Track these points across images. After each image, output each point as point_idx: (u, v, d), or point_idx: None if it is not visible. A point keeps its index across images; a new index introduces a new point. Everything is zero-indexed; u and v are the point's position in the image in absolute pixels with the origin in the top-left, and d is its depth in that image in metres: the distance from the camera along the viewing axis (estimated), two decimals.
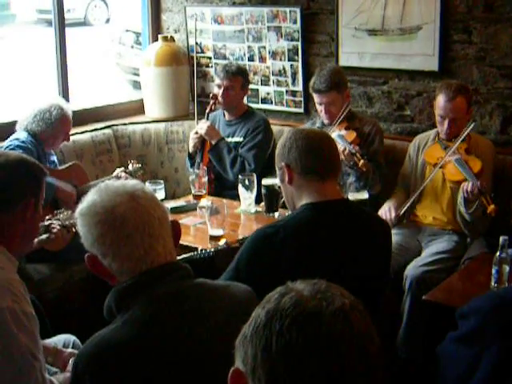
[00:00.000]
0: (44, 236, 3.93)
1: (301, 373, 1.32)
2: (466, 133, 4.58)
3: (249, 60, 6.31)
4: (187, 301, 2.09)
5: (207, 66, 6.66)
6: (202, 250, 3.65)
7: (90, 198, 2.16)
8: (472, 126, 4.59)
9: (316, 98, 5.09)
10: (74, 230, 4.20)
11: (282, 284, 1.46)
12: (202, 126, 5.59)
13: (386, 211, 4.73)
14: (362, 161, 4.67)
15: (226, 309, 2.11)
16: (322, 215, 2.92)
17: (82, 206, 2.15)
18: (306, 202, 2.94)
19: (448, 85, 4.63)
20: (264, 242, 2.85)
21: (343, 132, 4.91)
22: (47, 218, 3.97)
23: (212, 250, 3.63)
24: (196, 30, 6.52)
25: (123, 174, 5.12)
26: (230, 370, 1.41)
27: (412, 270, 4.34)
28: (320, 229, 2.89)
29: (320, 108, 5.08)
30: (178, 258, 3.40)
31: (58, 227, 4.03)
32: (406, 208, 4.71)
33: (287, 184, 2.97)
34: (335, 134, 4.79)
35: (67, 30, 6.21)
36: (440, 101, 4.61)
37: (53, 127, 4.96)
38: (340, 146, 4.53)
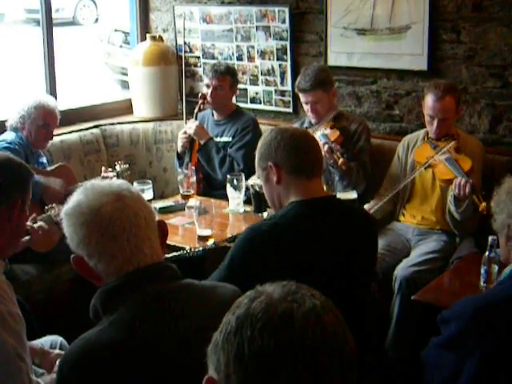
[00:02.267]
0: (26, 238, 3.89)
1: (275, 377, 1.30)
2: (450, 144, 4.60)
3: (237, 59, 6.30)
4: (174, 302, 2.06)
5: (196, 66, 6.64)
6: (191, 249, 3.64)
7: (75, 198, 2.13)
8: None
9: (301, 97, 5.09)
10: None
11: (278, 281, 1.45)
12: (190, 126, 5.57)
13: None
14: (341, 159, 4.67)
15: (212, 310, 2.08)
16: (311, 211, 2.93)
17: (68, 206, 2.13)
18: (293, 199, 2.95)
19: (436, 84, 4.63)
20: (258, 240, 2.85)
21: (328, 131, 4.90)
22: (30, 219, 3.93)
23: (201, 248, 3.62)
24: (184, 30, 6.50)
25: (110, 174, 5.09)
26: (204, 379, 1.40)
27: (401, 270, 4.34)
28: (312, 224, 2.91)
29: (306, 107, 5.07)
30: (168, 256, 3.42)
31: (40, 231, 4.00)
32: (405, 183, 4.70)
33: (275, 184, 2.96)
34: (319, 132, 4.80)
35: (56, 29, 6.21)
36: (429, 100, 4.61)
37: (29, 114, 4.94)
38: (321, 142, 4.54)
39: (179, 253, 3.61)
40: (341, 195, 4.48)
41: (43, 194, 4.68)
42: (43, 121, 4.99)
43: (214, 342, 1.39)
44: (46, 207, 4.34)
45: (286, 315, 1.33)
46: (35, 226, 4.01)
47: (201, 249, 3.64)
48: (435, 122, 4.61)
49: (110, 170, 5.19)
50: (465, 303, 2.60)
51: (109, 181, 2.24)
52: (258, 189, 4.59)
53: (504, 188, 2.66)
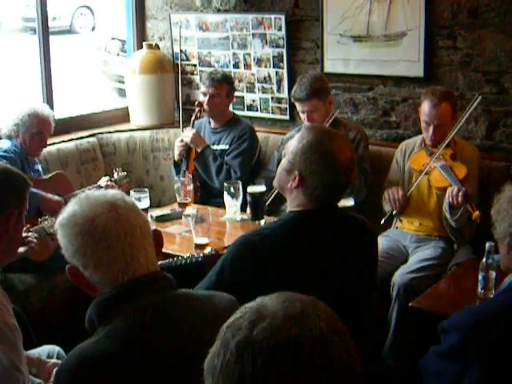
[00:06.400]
0: (21, 249, 3.86)
1: None
2: (450, 137, 4.59)
3: (234, 67, 6.30)
4: (170, 312, 2.06)
5: (192, 74, 6.64)
6: (190, 256, 3.63)
7: (70, 208, 2.12)
8: (455, 130, 4.61)
9: (298, 106, 5.09)
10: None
11: (267, 293, 1.42)
12: (187, 134, 5.57)
13: (393, 192, 4.67)
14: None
15: (208, 320, 2.07)
16: (309, 223, 2.89)
17: (62, 216, 2.12)
18: (293, 209, 2.92)
19: (433, 91, 4.64)
20: (249, 250, 2.81)
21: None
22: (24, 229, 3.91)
23: (201, 255, 3.61)
24: (181, 38, 6.50)
25: (109, 183, 5.09)
26: None
27: (399, 277, 4.33)
28: (306, 238, 2.87)
29: (303, 116, 5.06)
30: (167, 261, 3.42)
31: (35, 240, 3.98)
32: (411, 190, 4.69)
33: (289, 185, 2.89)
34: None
35: (53, 38, 6.22)
36: (425, 107, 4.62)
37: (23, 122, 4.94)
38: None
39: (179, 259, 3.61)
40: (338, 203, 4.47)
41: (41, 204, 4.66)
42: (37, 129, 4.99)
43: (211, 364, 1.33)
44: (40, 219, 4.34)
45: (290, 346, 1.28)
46: (30, 234, 4.00)
47: (201, 255, 3.62)
48: (431, 129, 4.62)
49: (108, 178, 5.20)
50: (465, 314, 2.57)
51: (103, 190, 2.23)
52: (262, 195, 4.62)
53: (505, 196, 2.61)
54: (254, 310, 1.35)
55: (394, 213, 4.72)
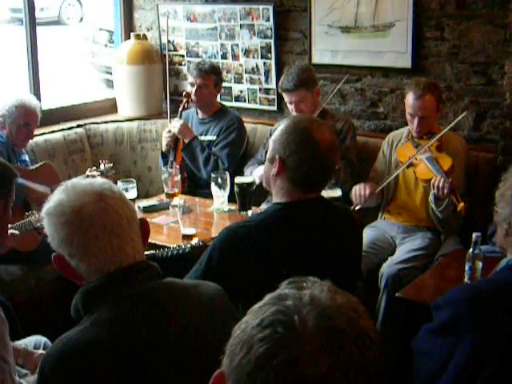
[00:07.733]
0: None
1: None
2: (437, 137, 4.58)
3: (222, 58, 6.29)
4: (156, 301, 2.05)
5: (180, 64, 6.63)
6: (177, 247, 3.63)
7: (56, 197, 2.11)
8: (442, 133, 4.60)
9: (285, 96, 5.08)
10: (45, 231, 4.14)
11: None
12: (175, 125, 5.56)
13: (361, 187, 4.67)
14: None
15: (195, 308, 2.08)
16: (293, 215, 2.89)
17: (49, 205, 2.10)
18: (278, 201, 2.92)
19: (416, 83, 4.63)
20: (234, 243, 2.82)
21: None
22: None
23: (188, 246, 3.61)
24: (168, 28, 6.48)
25: (95, 173, 5.07)
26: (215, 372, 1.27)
27: (387, 268, 4.34)
28: (292, 229, 2.87)
29: (290, 107, 5.06)
30: (154, 252, 3.42)
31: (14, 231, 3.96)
32: (381, 187, 4.69)
33: (272, 173, 2.88)
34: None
35: (41, 28, 6.20)
36: (409, 99, 4.62)
37: (10, 113, 4.91)
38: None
39: (167, 250, 3.60)
40: (325, 193, 4.47)
41: (28, 194, 4.64)
42: (24, 120, 4.96)
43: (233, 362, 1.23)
44: (27, 213, 4.32)
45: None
46: (16, 232, 3.98)
47: (188, 246, 3.62)
48: (416, 120, 4.62)
49: (94, 168, 5.17)
50: (460, 290, 2.58)
51: (91, 179, 2.21)
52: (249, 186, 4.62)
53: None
54: (281, 330, 1.23)
55: (356, 208, 4.66)
